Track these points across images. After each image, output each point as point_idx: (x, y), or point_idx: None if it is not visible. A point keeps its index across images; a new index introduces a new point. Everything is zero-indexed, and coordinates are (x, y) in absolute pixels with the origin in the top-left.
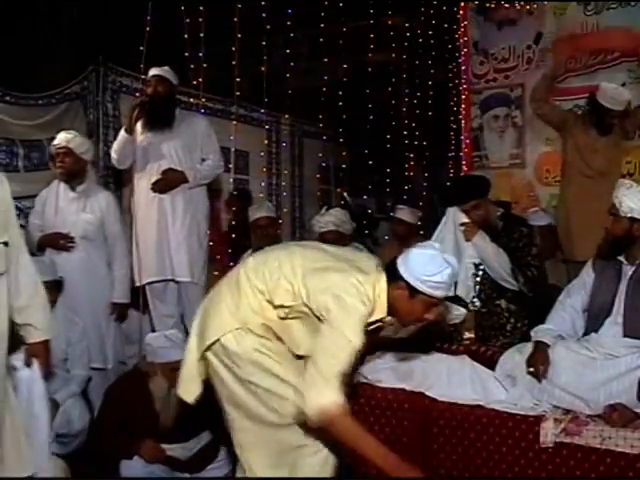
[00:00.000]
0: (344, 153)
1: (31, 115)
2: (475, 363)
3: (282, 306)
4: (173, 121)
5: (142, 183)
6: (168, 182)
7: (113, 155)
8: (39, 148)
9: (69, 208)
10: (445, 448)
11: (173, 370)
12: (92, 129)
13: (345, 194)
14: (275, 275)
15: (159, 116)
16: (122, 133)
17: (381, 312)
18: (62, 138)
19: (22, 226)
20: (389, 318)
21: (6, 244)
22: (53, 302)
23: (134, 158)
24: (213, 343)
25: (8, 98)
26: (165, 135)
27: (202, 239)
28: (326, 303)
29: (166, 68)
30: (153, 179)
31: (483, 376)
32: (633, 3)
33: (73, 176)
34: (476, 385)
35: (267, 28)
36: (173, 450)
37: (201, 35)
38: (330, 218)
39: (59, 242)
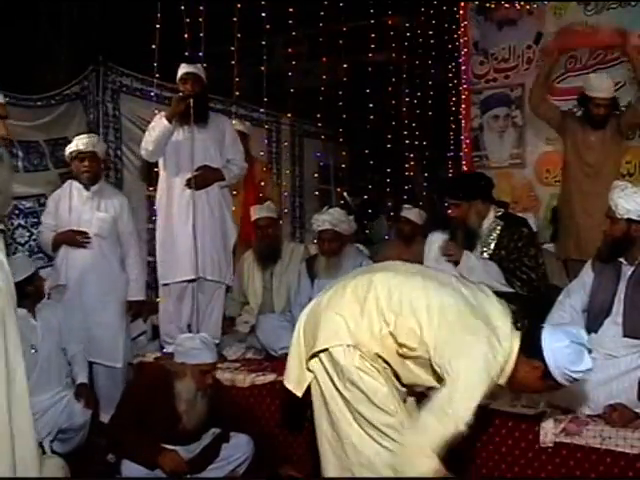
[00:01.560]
0: (344, 153)
1: (31, 116)
2: None
3: (404, 345)
4: (207, 119)
5: (174, 179)
6: (205, 179)
7: (147, 147)
8: (38, 149)
9: (83, 207)
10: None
11: (203, 372)
12: (92, 129)
13: (345, 194)
14: (407, 309)
15: (196, 113)
16: (163, 123)
17: (502, 380)
18: (88, 143)
19: (21, 225)
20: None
21: (2, 231)
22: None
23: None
24: (322, 350)
25: (7, 99)
26: (198, 133)
27: (230, 238)
28: (450, 369)
29: (199, 66)
30: (187, 175)
31: None
32: (633, 3)
33: (95, 178)
34: None
35: (267, 28)
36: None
37: (201, 35)
38: (327, 217)
39: (75, 239)
